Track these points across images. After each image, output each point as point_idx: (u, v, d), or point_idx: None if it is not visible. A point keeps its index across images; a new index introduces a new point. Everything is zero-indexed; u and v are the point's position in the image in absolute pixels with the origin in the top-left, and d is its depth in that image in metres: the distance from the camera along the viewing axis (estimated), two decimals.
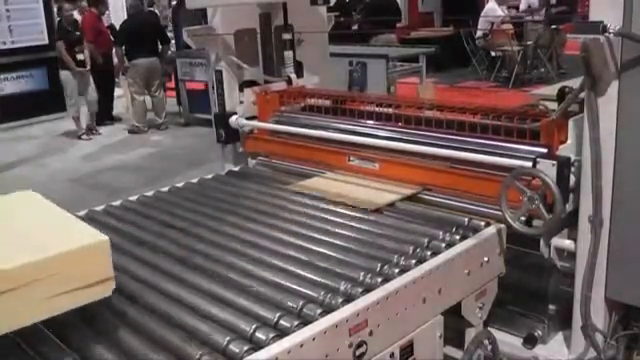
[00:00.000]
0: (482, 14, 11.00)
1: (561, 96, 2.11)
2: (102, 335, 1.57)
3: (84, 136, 8.80)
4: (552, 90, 2.52)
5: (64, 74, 8.65)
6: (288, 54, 3.24)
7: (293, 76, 3.22)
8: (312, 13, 3.32)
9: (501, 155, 2.19)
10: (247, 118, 3.06)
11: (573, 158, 2.03)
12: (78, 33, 8.74)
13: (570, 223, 2.06)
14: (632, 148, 1.86)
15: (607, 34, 1.78)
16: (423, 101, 2.74)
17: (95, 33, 9.39)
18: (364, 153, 2.61)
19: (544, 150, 2.12)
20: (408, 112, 2.65)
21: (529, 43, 10.33)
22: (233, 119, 3.06)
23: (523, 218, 2.05)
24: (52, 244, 1.54)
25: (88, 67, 8.73)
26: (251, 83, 3.18)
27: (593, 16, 1.83)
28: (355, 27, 10.04)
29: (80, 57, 8.68)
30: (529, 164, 2.04)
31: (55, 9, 10.21)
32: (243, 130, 3.08)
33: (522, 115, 2.26)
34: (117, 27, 9.87)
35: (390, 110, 2.74)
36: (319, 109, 2.93)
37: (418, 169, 2.42)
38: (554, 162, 1.98)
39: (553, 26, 10.33)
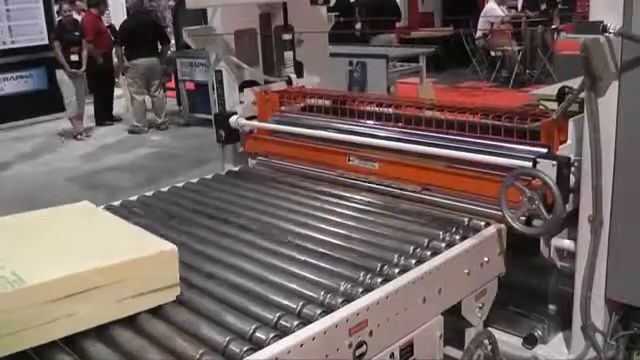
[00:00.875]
0: (482, 14, 11.01)
1: (561, 96, 2.11)
2: (102, 335, 1.57)
3: (79, 136, 8.83)
4: (552, 90, 2.52)
5: (59, 74, 8.72)
6: (288, 54, 3.24)
7: (293, 76, 3.22)
8: (312, 13, 3.32)
9: (501, 155, 2.19)
10: (247, 118, 3.06)
11: (573, 158, 2.03)
12: (77, 33, 8.74)
13: (570, 223, 2.06)
14: (632, 148, 1.86)
15: (607, 34, 1.78)
16: (423, 101, 2.73)
17: (96, 33, 9.39)
18: (364, 153, 2.61)
19: (544, 150, 2.12)
20: (408, 112, 2.65)
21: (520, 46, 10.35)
22: (233, 119, 3.06)
23: (523, 218, 2.05)
24: (123, 252, 1.66)
25: (83, 68, 8.75)
26: (251, 83, 3.18)
27: (593, 16, 1.83)
28: (358, 26, 10.02)
29: (74, 58, 8.67)
30: (529, 164, 2.04)
31: (56, 9, 10.21)
32: (243, 130, 3.08)
33: (522, 115, 2.26)
34: (117, 27, 9.86)
35: (390, 110, 2.73)
36: (319, 109, 2.93)
37: (418, 169, 2.42)
38: (554, 162, 1.98)
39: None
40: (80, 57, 8.71)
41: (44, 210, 2.07)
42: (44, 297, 1.48)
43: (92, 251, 1.69)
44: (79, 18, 9.92)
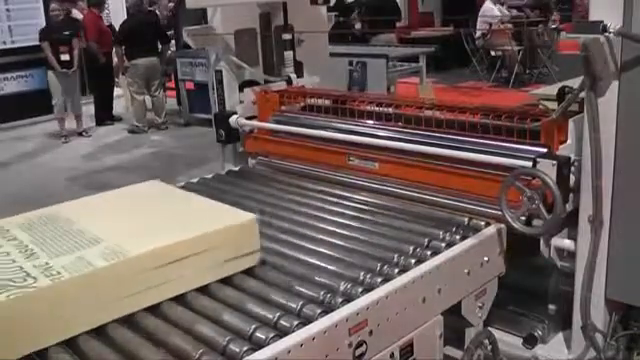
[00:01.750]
0: (479, 14, 11.00)
1: (561, 96, 2.11)
2: (101, 334, 1.57)
3: (62, 139, 8.72)
4: (552, 90, 2.52)
5: (49, 74, 8.70)
6: (288, 54, 3.24)
7: (293, 76, 3.22)
8: (312, 13, 3.32)
9: (501, 155, 2.19)
10: (247, 118, 3.06)
11: (573, 158, 2.03)
12: (67, 33, 8.63)
13: (570, 223, 2.06)
14: (632, 148, 1.86)
15: (607, 34, 1.78)
16: (423, 101, 2.73)
17: (98, 32, 9.40)
18: (364, 153, 2.61)
19: (544, 150, 2.11)
20: (408, 112, 2.65)
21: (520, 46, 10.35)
22: (233, 119, 3.06)
23: (523, 218, 2.05)
24: (210, 222, 1.85)
25: (74, 68, 8.65)
26: (251, 83, 3.18)
27: (593, 16, 1.83)
28: (358, 26, 10.02)
29: (64, 57, 8.56)
30: (529, 164, 2.04)
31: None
32: (243, 130, 3.08)
33: (522, 115, 2.26)
34: (117, 27, 9.86)
35: (390, 110, 2.73)
36: (319, 109, 2.93)
37: (418, 169, 2.42)
38: (554, 162, 1.98)
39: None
40: (71, 56, 8.62)
41: (116, 190, 2.25)
42: (152, 264, 1.67)
43: (181, 222, 1.89)
44: (79, 17, 9.94)
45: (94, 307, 1.59)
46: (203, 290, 1.77)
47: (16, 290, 1.51)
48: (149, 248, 1.69)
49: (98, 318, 1.60)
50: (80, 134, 8.92)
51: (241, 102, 3.13)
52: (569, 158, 2.02)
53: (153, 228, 1.85)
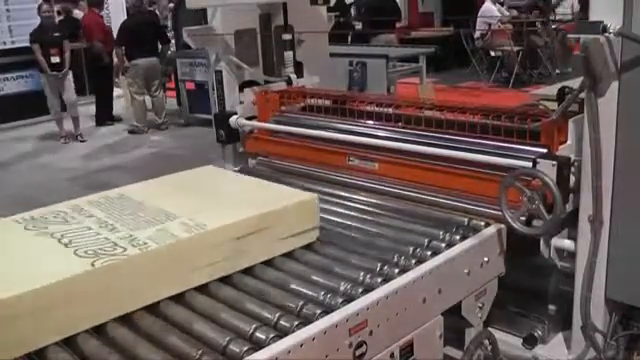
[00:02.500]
0: (479, 14, 11.00)
1: (561, 96, 2.11)
2: (100, 334, 1.57)
3: (62, 140, 8.66)
4: (552, 90, 2.52)
5: (42, 76, 8.58)
6: (288, 54, 3.24)
7: (293, 76, 3.22)
8: (312, 13, 3.32)
9: (501, 155, 2.19)
10: (247, 118, 3.06)
11: (573, 158, 2.03)
12: (57, 34, 8.49)
13: (570, 223, 2.06)
14: (632, 148, 1.86)
15: (607, 34, 1.78)
16: (423, 101, 2.73)
17: (102, 32, 9.40)
18: (364, 153, 2.61)
19: (544, 150, 2.11)
20: (408, 112, 2.65)
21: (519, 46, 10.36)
22: (233, 119, 3.06)
23: (523, 218, 2.05)
24: (275, 200, 1.99)
25: (65, 69, 8.47)
26: (251, 83, 3.18)
27: (593, 16, 1.83)
28: (359, 26, 10.02)
29: (54, 60, 8.36)
30: (529, 164, 2.04)
31: (56, 9, 10.18)
32: (243, 130, 3.08)
33: (522, 115, 2.26)
34: (116, 27, 9.86)
35: (390, 110, 2.73)
36: (319, 109, 2.93)
37: (418, 169, 2.42)
38: (554, 162, 1.98)
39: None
40: (61, 58, 8.42)
41: (172, 175, 2.40)
42: (224, 237, 1.81)
43: (247, 200, 2.03)
44: (80, 17, 9.94)
45: (177, 275, 1.73)
46: (202, 290, 1.77)
47: (108, 258, 1.63)
48: (227, 221, 1.83)
49: (181, 285, 1.73)
50: (76, 137, 8.74)
51: (241, 102, 3.13)
52: (569, 158, 2.02)
53: (221, 205, 2.00)
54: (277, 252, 1.95)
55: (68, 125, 8.77)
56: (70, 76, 8.64)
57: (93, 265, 1.59)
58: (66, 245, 1.74)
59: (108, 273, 1.60)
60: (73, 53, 8.64)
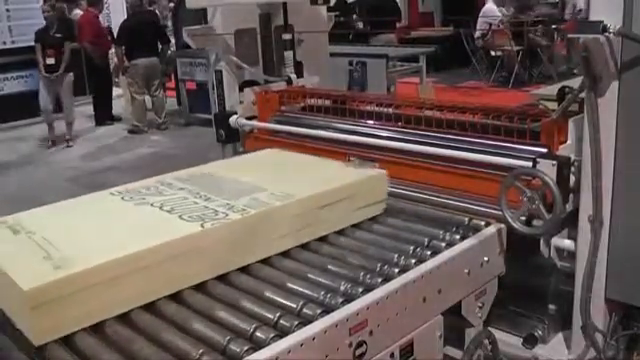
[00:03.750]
0: (480, 14, 11.01)
1: (561, 96, 2.11)
2: (100, 333, 1.57)
3: (49, 143, 8.46)
4: (552, 90, 2.52)
5: (40, 77, 8.46)
6: (288, 54, 3.24)
7: (293, 76, 3.22)
8: (312, 13, 3.32)
9: (501, 155, 2.19)
10: (247, 118, 3.06)
11: (573, 158, 2.03)
12: (59, 35, 8.32)
13: (570, 223, 2.06)
14: (632, 148, 1.86)
15: (607, 34, 1.78)
16: (423, 101, 2.73)
17: (94, 33, 9.38)
18: (364, 153, 2.61)
19: (544, 150, 2.11)
20: (408, 112, 2.65)
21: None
22: (233, 119, 3.06)
23: (523, 218, 2.05)
24: (346, 175, 2.20)
25: (60, 71, 8.24)
26: (251, 83, 3.18)
27: (593, 16, 1.83)
28: (360, 25, 10.02)
29: (49, 61, 8.16)
30: (529, 164, 2.04)
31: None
32: (243, 130, 3.08)
33: (522, 115, 2.26)
34: (116, 27, 9.85)
35: (390, 110, 2.73)
36: (319, 109, 2.93)
37: (418, 169, 2.42)
38: (554, 162, 1.98)
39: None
40: (56, 60, 8.19)
41: (239, 157, 2.65)
42: (311, 206, 1.99)
43: (322, 175, 2.23)
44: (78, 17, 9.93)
45: (273, 238, 1.91)
46: (201, 288, 1.77)
47: (213, 221, 1.79)
48: (312, 192, 2.01)
49: (277, 247, 1.92)
50: (66, 141, 8.49)
51: (241, 102, 3.13)
52: (569, 158, 2.02)
53: (299, 179, 2.18)
54: (351, 221, 2.12)
55: (60, 127, 8.54)
56: (69, 79, 8.45)
57: (202, 227, 1.76)
58: (169, 212, 1.90)
59: (217, 234, 1.76)
60: (73, 53, 8.58)
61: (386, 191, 2.23)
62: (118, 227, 1.85)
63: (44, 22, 8.52)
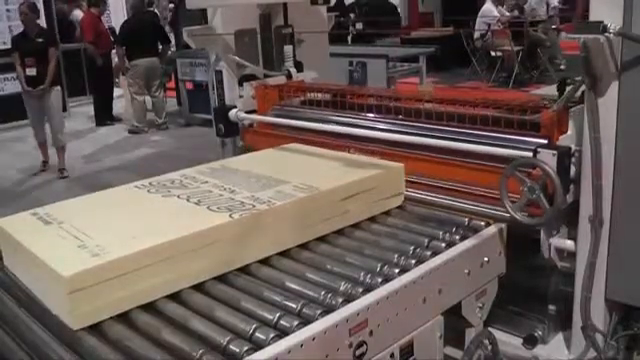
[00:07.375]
0: (479, 15, 11.01)
1: (562, 87, 2.10)
2: (100, 333, 1.57)
3: (40, 167, 7.25)
4: (552, 90, 2.52)
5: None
6: (288, 48, 3.21)
7: (293, 70, 3.21)
8: (312, 13, 3.32)
9: (501, 146, 2.18)
10: (246, 112, 3.04)
11: (573, 148, 2.02)
12: (40, 40, 6.97)
13: (570, 222, 2.06)
14: (632, 148, 1.86)
15: (607, 34, 1.78)
16: (423, 94, 2.72)
17: (95, 34, 9.39)
18: (364, 146, 2.60)
19: (544, 141, 2.11)
20: (408, 105, 2.64)
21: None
22: (233, 112, 3.04)
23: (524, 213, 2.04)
24: (366, 168, 2.22)
25: (45, 85, 6.77)
26: (250, 77, 3.17)
27: (593, 16, 1.83)
28: (360, 25, 10.02)
29: (30, 72, 6.71)
30: (529, 154, 2.04)
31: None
32: (243, 124, 3.07)
33: (522, 107, 2.26)
34: (117, 28, 9.86)
35: (390, 103, 2.72)
36: (319, 103, 2.92)
37: (418, 161, 2.41)
38: (554, 152, 1.97)
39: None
40: (39, 71, 6.73)
41: (258, 152, 2.63)
42: (334, 198, 2.04)
43: (343, 168, 2.26)
44: (79, 18, 9.94)
45: (298, 229, 1.95)
46: (200, 289, 1.77)
47: (241, 212, 1.83)
48: (335, 184, 2.06)
49: (301, 237, 1.96)
50: (60, 172, 7.02)
51: (241, 97, 3.11)
52: (569, 148, 2.01)
53: (321, 172, 2.22)
54: (373, 213, 2.17)
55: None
56: (56, 94, 6.96)
57: (231, 217, 1.80)
58: (196, 204, 1.93)
59: (245, 224, 1.79)
60: (72, 54, 8.47)
61: (403, 184, 2.27)
62: (149, 217, 1.89)
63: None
